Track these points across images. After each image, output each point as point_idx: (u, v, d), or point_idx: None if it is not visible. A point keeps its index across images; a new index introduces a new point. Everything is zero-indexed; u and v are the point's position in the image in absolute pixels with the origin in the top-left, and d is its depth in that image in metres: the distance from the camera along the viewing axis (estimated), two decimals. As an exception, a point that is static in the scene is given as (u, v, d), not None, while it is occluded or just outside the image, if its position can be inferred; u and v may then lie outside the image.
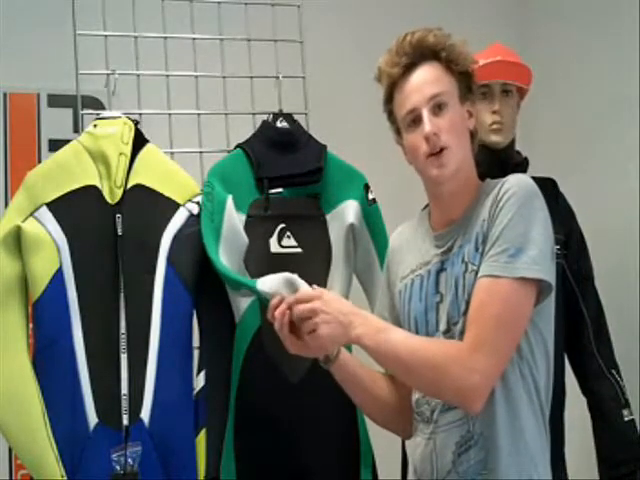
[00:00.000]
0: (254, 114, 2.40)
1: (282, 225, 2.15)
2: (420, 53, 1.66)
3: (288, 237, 2.15)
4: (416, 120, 1.65)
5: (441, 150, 1.63)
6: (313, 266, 2.13)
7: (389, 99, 1.71)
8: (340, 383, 1.74)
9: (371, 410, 1.80)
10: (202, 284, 2.03)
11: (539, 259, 1.55)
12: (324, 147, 2.24)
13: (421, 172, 1.69)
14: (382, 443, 2.21)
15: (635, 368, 2.61)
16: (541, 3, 3.34)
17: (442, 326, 1.63)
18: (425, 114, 1.63)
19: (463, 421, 1.59)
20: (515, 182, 1.61)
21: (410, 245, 1.77)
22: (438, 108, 1.64)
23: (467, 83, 1.69)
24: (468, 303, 1.58)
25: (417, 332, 1.68)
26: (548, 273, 1.56)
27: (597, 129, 2.99)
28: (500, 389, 1.57)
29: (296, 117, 2.29)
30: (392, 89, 1.69)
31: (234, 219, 2.07)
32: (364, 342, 1.58)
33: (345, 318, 1.57)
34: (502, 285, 1.53)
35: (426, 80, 1.66)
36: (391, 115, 1.72)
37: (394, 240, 1.85)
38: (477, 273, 1.58)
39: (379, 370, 1.75)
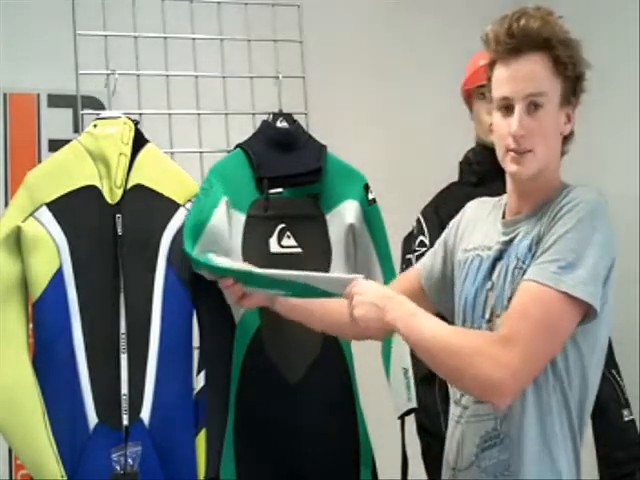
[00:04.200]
0: (254, 114, 2.40)
1: (282, 225, 2.15)
2: (530, 41, 1.57)
3: (288, 237, 2.15)
4: (509, 108, 1.59)
5: (525, 151, 1.59)
6: (313, 266, 2.12)
7: (491, 65, 1.64)
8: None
9: (340, 332, 1.89)
10: (202, 284, 2.03)
11: (589, 280, 1.51)
12: (324, 147, 2.24)
13: (499, 158, 1.64)
14: (382, 443, 2.21)
15: (635, 368, 2.61)
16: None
17: (487, 314, 1.63)
18: (517, 111, 1.57)
19: (491, 417, 1.58)
20: (581, 194, 1.57)
21: (483, 222, 1.75)
22: (533, 106, 1.57)
23: (573, 87, 1.61)
24: (510, 300, 1.56)
25: (464, 313, 1.69)
26: (594, 297, 1.51)
27: (597, 128, 2.99)
28: (532, 396, 1.55)
29: (296, 117, 2.28)
30: (495, 61, 1.62)
31: (222, 221, 2.04)
32: (397, 325, 1.58)
33: (380, 301, 1.60)
34: (547, 294, 1.50)
35: (527, 75, 1.58)
36: (489, 79, 1.65)
37: (471, 208, 1.82)
38: (524, 272, 1.55)
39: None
